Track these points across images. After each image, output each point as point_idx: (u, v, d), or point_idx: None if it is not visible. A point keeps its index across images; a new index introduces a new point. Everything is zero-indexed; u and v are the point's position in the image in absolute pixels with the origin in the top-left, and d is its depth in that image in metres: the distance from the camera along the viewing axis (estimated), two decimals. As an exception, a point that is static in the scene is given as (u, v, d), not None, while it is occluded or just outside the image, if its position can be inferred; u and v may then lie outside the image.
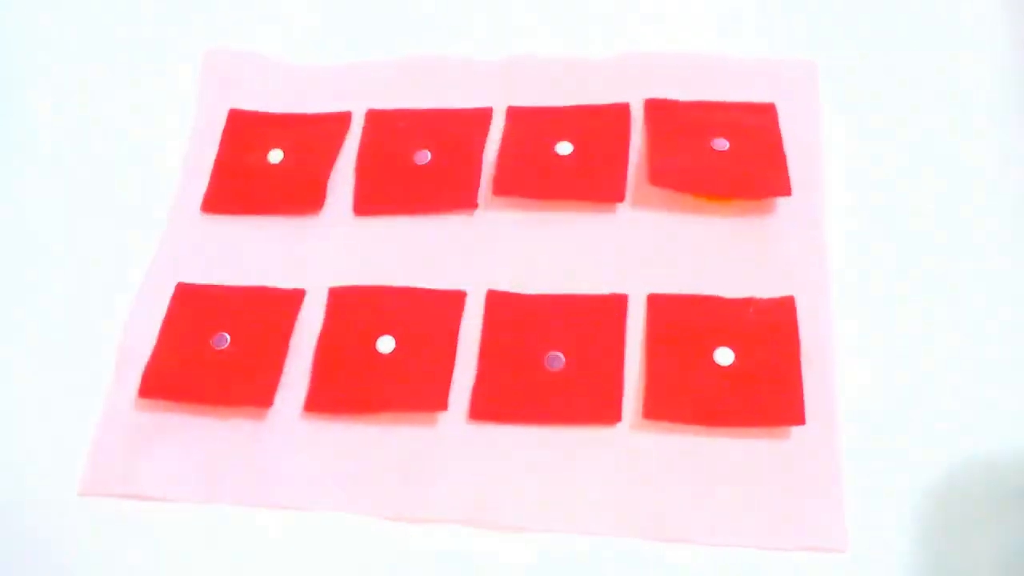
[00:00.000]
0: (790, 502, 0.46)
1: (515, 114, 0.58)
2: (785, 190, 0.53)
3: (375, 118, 0.59)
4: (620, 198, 0.54)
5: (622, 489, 0.47)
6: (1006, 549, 0.44)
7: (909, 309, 0.50)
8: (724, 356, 0.49)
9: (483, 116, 0.59)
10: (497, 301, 0.52)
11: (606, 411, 0.49)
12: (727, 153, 0.54)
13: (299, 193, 0.57)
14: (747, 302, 0.51)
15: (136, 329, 0.54)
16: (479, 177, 0.56)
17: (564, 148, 0.56)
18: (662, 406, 0.48)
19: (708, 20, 0.61)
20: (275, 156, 0.58)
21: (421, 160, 0.57)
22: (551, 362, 0.50)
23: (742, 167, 0.54)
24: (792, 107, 0.56)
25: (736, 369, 0.48)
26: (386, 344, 0.51)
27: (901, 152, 0.55)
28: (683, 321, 0.50)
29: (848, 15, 0.60)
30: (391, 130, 0.59)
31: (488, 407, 0.49)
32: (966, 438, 0.47)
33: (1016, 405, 0.48)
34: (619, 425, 0.48)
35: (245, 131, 0.60)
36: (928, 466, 0.46)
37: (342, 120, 0.59)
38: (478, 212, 0.55)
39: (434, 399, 0.49)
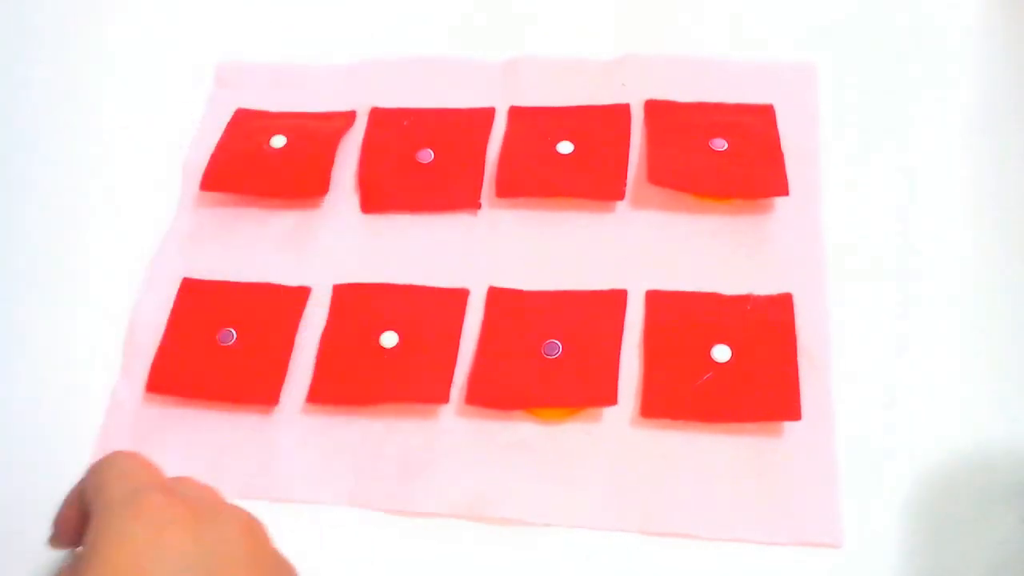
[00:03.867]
0: (786, 497, 0.46)
1: (517, 114, 0.59)
2: (783, 190, 0.53)
3: (379, 116, 0.60)
4: (620, 196, 0.55)
5: (618, 483, 0.47)
6: (1001, 546, 0.44)
7: (905, 307, 0.51)
8: (721, 352, 0.49)
9: (486, 115, 0.59)
10: (498, 297, 0.53)
11: (603, 394, 0.49)
12: (726, 153, 0.54)
13: (302, 176, 0.57)
14: (744, 299, 0.51)
15: (142, 323, 0.54)
16: (482, 176, 0.57)
17: (565, 147, 0.56)
18: (659, 404, 0.48)
19: (708, 22, 0.62)
20: (278, 141, 0.58)
21: (424, 159, 0.57)
22: (548, 350, 0.50)
23: (740, 167, 0.54)
24: (790, 108, 0.57)
25: (733, 365, 0.49)
26: (389, 339, 0.51)
27: (898, 153, 0.55)
28: (681, 317, 0.51)
29: (847, 17, 0.60)
30: (395, 129, 0.59)
31: (484, 391, 0.49)
32: (961, 435, 0.47)
33: (1011, 403, 0.48)
34: (616, 419, 0.49)
35: (249, 122, 0.60)
36: (923, 462, 0.46)
37: (346, 118, 0.60)
38: (480, 210, 0.56)
39: (436, 392, 0.50)
